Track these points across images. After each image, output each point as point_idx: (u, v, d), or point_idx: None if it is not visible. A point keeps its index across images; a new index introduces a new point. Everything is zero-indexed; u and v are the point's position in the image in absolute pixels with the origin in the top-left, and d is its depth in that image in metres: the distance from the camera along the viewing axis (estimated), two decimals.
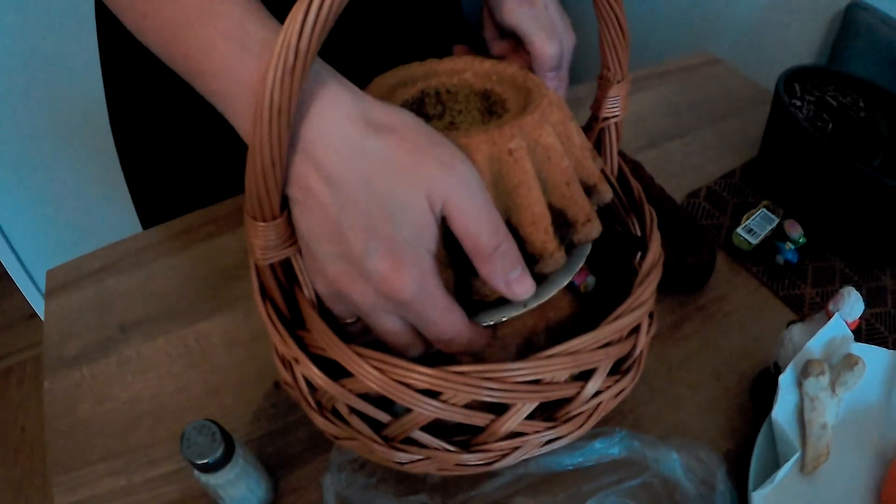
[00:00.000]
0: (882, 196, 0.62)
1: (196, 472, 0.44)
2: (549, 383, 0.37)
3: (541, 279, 0.40)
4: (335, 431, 0.42)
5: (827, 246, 0.70)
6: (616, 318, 0.39)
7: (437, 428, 0.40)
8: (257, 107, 0.30)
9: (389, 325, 0.36)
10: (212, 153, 0.77)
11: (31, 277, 1.68)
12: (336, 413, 0.42)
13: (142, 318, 0.64)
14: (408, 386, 0.35)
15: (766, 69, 0.72)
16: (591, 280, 0.53)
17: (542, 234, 0.38)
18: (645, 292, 0.41)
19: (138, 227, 0.83)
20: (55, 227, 1.65)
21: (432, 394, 0.36)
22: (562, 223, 0.40)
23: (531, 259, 0.38)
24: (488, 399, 0.36)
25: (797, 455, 0.44)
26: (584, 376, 0.40)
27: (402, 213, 0.33)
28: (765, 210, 0.72)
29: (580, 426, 0.41)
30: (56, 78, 1.45)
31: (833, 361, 0.48)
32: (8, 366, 1.78)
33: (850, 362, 0.46)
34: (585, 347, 0.37)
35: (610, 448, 0.47)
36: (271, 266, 0.38)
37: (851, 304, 0.48)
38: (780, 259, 0.66)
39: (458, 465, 0.41)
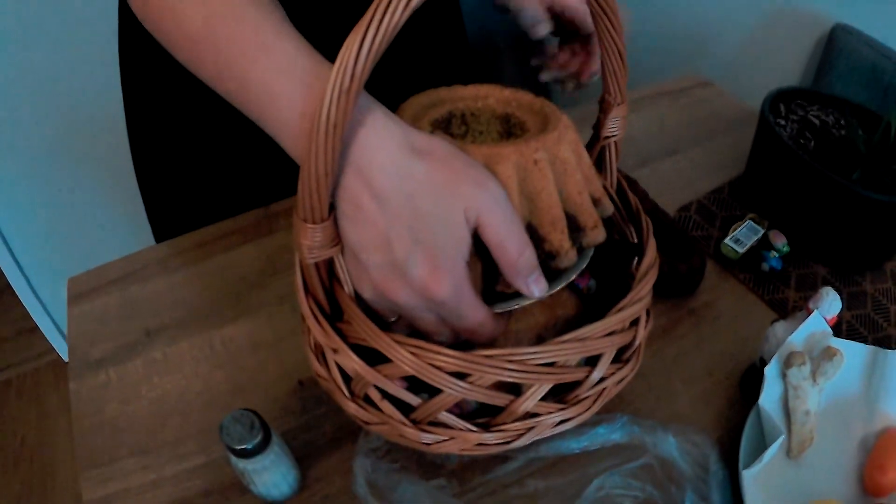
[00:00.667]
0: (860, 207, 0.67)
1: (233, 459, 0.47)
2: (562, 367, 0.42)
3: (552, 275, 0.45)
4: (367, 417, 0.46)
5: (809, 254, 0.75)
6: (619, 310, 0.44)
7: (460, 413, 0.45)
8: (314, 122, 0.35)
9: (427, 319, 0.41)
10: (226, 169, 0.81)
11: (33, 290, 1.70)
12: (368, 400, 0.46)
13: (166, 323, 0.67)
14: (439, 368, 0.40)
15: (755, 90, 0.78)
16: (592, 283, 0.58)
17: (559, 234, 0.43)
18: (643, 289, 0.46)
19: (146, 243, 0.84)
20: (59, 240, 1.67)
21: (461, 376, 0.40)
22: (574, 228, 0.45)
23: (549, 255, 0.43)
24: (510, 379, 0.40)
25: (782, 437, 0.48)
26: (591, 362, 0.45)
27: (442, 227, 0.38)
28: (751, 222, 0.77)
29: (587, 409, 0.46)
30: (74, 94, 1.49)
31: (814, 354, 0.53)
32: (7, 378, 1.79)
33: (829, 353, 0.51)
34: (593, 335, 0.42)
35: (612, 433, 0.51)
36: (315, 265, 0.42)
37: (830, 302, 0.53)
38: (765, 266, 0.71)
39: (478, 444, 0.45)
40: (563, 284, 0.45)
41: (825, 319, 0.54)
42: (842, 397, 0.54)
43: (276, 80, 0.39)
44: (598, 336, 0.43)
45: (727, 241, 0.74)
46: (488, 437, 0.44)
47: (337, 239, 0.40)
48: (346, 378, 0.46)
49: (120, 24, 0.76)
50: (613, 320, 0.43)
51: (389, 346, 0.40)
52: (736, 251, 0.73)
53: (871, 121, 0.76)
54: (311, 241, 0.39)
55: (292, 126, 0.39)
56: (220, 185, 0.82)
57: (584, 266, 0.47)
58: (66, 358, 1.79)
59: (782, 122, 0.78)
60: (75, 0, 1.37)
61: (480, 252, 0.41)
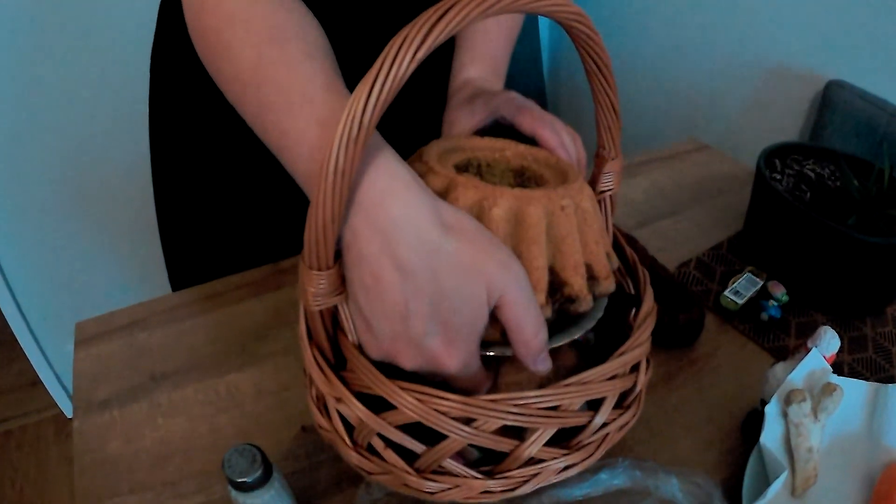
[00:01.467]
0: (857, 251, 0.69)
1: (233, 493, 0.47)
2: (565, 411, 0.43)
3: (568, 321, 0.47)
4: (370, 467, 0.47)
5: (809, 302, 0.76)
6: (620, 355, 0.45)
7: (464, 463, 0.45)
8: (322, 168, 0.36)
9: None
10: (244, 225, 0.83)
11: (38, 345, 1.71)
12: (371, 450, 0.47)
13: (172, 369, 0.68)
14: (444, 414, 0.40)
15: (754, 151, 0.81)
16: (591, 335, 0.59)
17: (580, 279, 0.45)
18: (643, 335, 0.47)
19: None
20: (65, 295, 1.69)
21: (465, 421, 0.41)
22: (589, 276, 0.47)
23: (568, 299, 0.44)
24: (515, 423, 0.41)
25: (785, 472, 0.49)
26: (594, 407, 0.45)
27: (464, 304, 0.38)
28: (749, 274, 0.78)
29: (590, 455, 0.46)
30: (97, 152, 1.52)
31: (814, 392, 0.54)
32: (8, 429, 1.78)
33: (829, 389, 0.52)
34: (595, 379, 0.43)
35: (614, 478, 0.51)
36: (319, 313, 0.43)
37: (828, 341, 0.54)
38: (764, 315, 0.72)
39: (483, 492, 0.45)
40: (581, 332, 0.46)
41: (824, 357, 0.55)
42: (844, 434, 0.55)
43: (315, 131, 0.40)
44: (601, 380, 0.44)
45: (726, 293, 0.75)
46: (493, 485, 0.44)
47: (342, 287, 0.41)
48: (349, 428, 0.47)
49: (152, 79, 0.79)
50: (615, 364, 0.44)
51: (394, 392, 0.41)
52: (735, 302, 0.74)
53: (866, 170, 0.78)
54: (315, 289, 0.40)
55: None
56: (237, 240, 0.85)
57: (600, 315, 0.49)
58: (68, 413, 1.79)
59: (778, 177, 0.80)
60: (109, 50, 1.41)
61: None
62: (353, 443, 0.47)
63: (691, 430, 0.62)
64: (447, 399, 0.40)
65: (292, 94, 0.41)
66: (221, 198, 0.82)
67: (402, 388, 0.41)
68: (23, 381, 1.87)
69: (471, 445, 0.48)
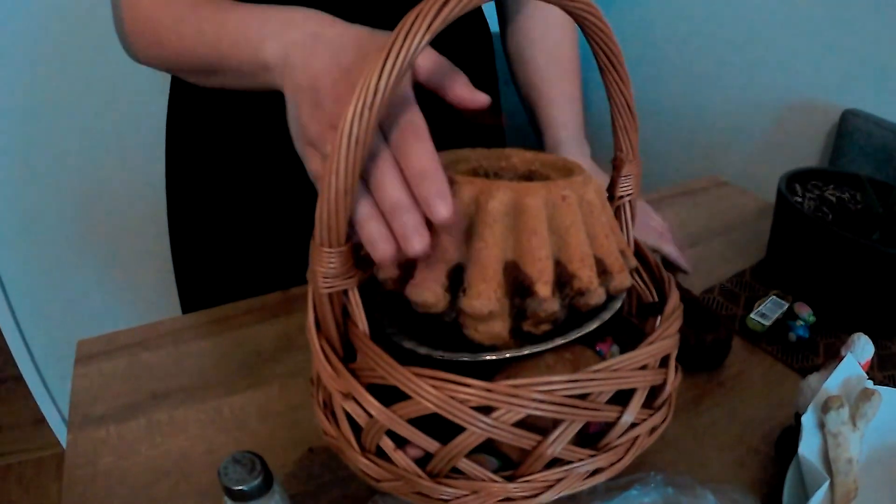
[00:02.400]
0: (883, 266, 0.67)
1: None
2: (593, 402, 0.39)
3: (582, 318, 0.44)
4: (378, 473, 0.43)
5: (836, 322, 0.73)
6: (649, 343, 0.42)
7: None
8: (336, 139, 0.35)
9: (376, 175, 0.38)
10: (258, 252, 0.82)
11: (44, 384, 1.69)
12: (380, 454, 0.43)
13: (175, 388, 0.65)
14: (463, 402, 0.37)
15: (774, 182, 0.80)
16: (615, 349, 0.56)
17: (588, 270, 0.42)
18: (671, 327, 0.44)
19: None
20: (72, 334, 1.67)
21: (486, 411, 0.38)
22: (601, 271, 0.44)
23: (578, 293, 0.42)
24: (538, 412, 0.38)
25: (826, 483, 0.45)
26: (622, 401, 0.42)
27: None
28: (775, 297, 0.76)
29: (619, 459, 0.43)
30: (114, 194, 1.53)
31: (850, 400, 0.50)
32: (8, 463, 1.75)
33: (866, 395, 0.48)
34: (625, 367, 0.40)
35: (646, 496, 0.47)
36: (329, 302, 0.41)
37: (862, 346, 0.51)
38: (792, 336, 0.69)
39: (503, 500, 0.41)
40: (598, 324, 0.43)
41: (859, 364, 0.51)
42: (884, 446, 0.51)
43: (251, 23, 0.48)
44: (631, 368, 0.40)
45: (752, 315, 0.73)
46: (514, 489, 0.41)
47: (353, 271, 0.39)
48: (357, 431, 0.43)
49: (170, 101, 0.80)
50: (644, 353, 0.41)
51: (408, 379, 0.38)
52: (762, 324, 0.71)
53: (886, 192, 0.77)
54: (326, 268, 0.38)
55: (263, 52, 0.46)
56: (249, 267, 0.84)
57: (616, 309, 0.46)
58: None
59: (799, 200, 0.78)
60: (127, 76, 1.42)
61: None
62: (362, 448, 0.43)
63: (723, 450, 0.58)
64: (466, 385, 0.37)
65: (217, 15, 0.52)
66: (234, 224, 0.82)
67: (418, 375, 0.38)
68: (28, 418, 1.84)
69: (489, 454, 0.45)
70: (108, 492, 0.54)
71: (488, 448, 0.45)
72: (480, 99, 0.43)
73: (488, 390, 0.37)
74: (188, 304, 0.87)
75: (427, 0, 0.34)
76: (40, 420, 1.75)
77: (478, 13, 0.84)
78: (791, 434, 0.54)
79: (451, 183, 0.43)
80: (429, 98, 0.78)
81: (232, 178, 0.79)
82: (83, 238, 1.59)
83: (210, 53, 0.53)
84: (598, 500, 0.48)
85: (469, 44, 0.83)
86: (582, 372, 0.39)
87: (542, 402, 0.38)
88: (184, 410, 0.62)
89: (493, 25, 0.89)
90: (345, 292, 0.41)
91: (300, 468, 0.57)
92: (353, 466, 0.44)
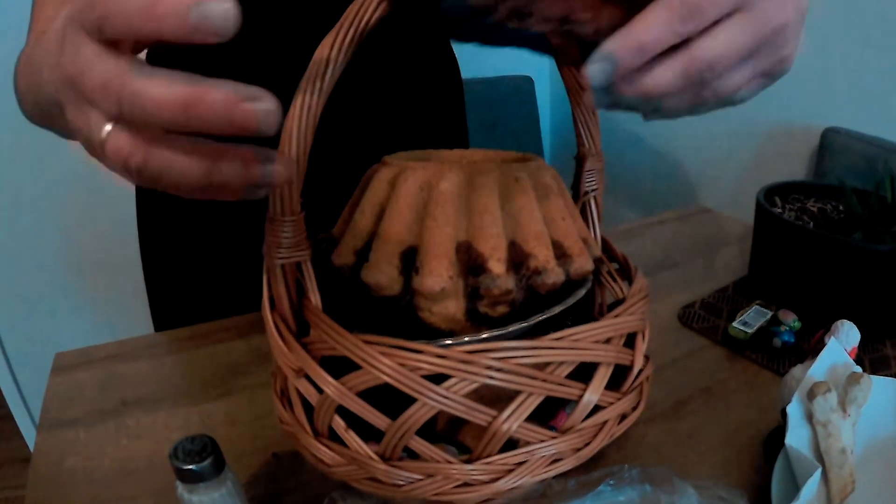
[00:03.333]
0: (865, 263, 0.65)
1: (180, 489, 0.42)
2: (552, 375, 0.38)
3: (542, 302, 0.43)
4: (330, 458, 0.42)
5: (823, 328, 0.71)
6: (614, 316, 0.40)
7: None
8: (290, 114, 0.35)
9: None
10: (228, 277, 0.82)
11: (34, 423, 1.67)
12: (332, 436, 0.42)
13: (145, 397, 0.64)
14: (414, 370, 0.36)
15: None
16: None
17: (545, 249, 0.41)
18: (636, 305, 0.43)
19: None
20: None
21: (438, 380, 0.37)
22: (560, 254, 0.43)
23: (535, 273, 0.41)
24: (493, 382, 0.36)
25: (818, 471, 0.42)
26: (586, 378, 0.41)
27: None
28: (758, 306, 0.74)
29: (585, 444, 0.41)
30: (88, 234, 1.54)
31: (839, 386, 0.48)
32: (3, 497, 1.71)
33: (855, 378, 0.46)
34: (587, 338, 0.39)
35: (620, 493, 0.45)
36: (283, 276, 0.40)
37: (846, 332, 0.49)
38: (777, 342, 0.67)
39: (461, 486, 0.40)
40: (561, 308, 0.42)
41: (845, 351, 0.49)
42: (879, 437, 0.48)
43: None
44: (592, 340, 0.39)
45: (734, 324, 0.71)
46: (472, 472, 0.39)
47: (306, 243, 0.39)
48: (311, 414, 0.42)
49: None
50: (606, 324, 0.40)
51: (358, 347, 0.37)
52: (745, 332, 0.69)
53: (868, 197, 0.76)
54: (280, 238, 0.38)
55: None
56: (223, 292, 0.83)
57: (580, 296, 0.45)
58: None
59: (779, 211, 0.77)
60: None
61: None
62: (315, 431, 0.42)
63: (707, 454, 0.55)
64: (418, 352, 0.36)
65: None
66: (205, 246, 0.81)
67: (368, 343, 0.37)
68: (14, 457, 1.81)
69: (449, 444, 0.43)
70: (74, 490, 0.52)
71: (449, 438, 0.43)
72: None
73: (441, 357, 0.36)
74: (161, 327, 0.87)
75: None
76: (27, 459, 1.72)
77: (447, 49, 0.86)
78: (779, 434, 0.52)
79: (404, 170, 0.43)
80: (394, 98, 0.78)
81: (201, 201, 0.79)
82: (57, 267, 1.60)
83: (43, 113, 0.46)
84: (564, 500, 0.45)
85: (437, 78, 0.84)
86: (540, 339, 0.37)
87: (497, 370, 0.36)
88: (153, 417, 0.61)
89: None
90: (298, 267, 0.40)
91: (263, 472, 0.55)
92: (307, 455, 0.43)
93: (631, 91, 0.31)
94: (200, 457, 0.40)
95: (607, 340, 0.40)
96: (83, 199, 1.58)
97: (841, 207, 0.78)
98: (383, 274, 0.41)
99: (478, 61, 1.00)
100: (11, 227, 1.54)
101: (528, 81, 1.92)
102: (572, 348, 0.38)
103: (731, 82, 0.33)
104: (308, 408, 0.42)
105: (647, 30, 0.30)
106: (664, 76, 0.31)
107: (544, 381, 0.37)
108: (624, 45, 0.30)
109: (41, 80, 0.37)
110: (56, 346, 1.63)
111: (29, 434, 1.70)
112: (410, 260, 0.41)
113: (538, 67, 1.91)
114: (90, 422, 0.60)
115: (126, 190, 0.86)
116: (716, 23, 0.31)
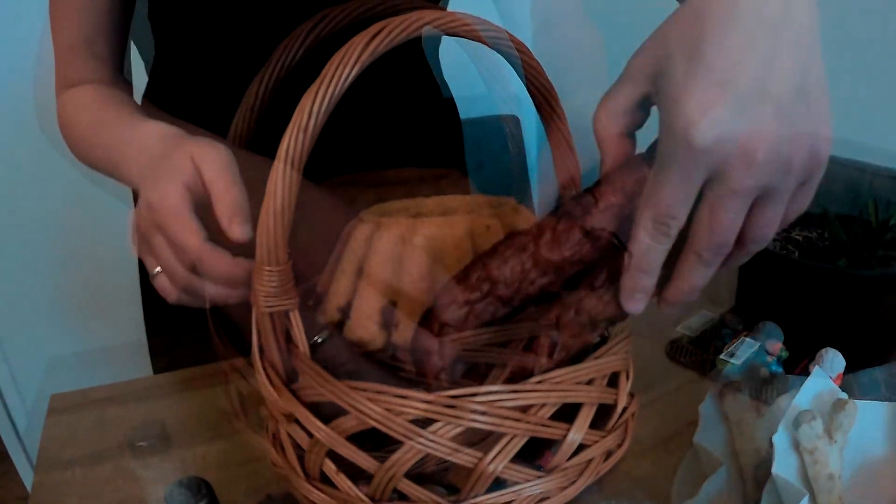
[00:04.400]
0: (852, 290, 0.67)
1: None
2: (536, 416, 0.39)
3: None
4: (322, 500, 0.42)
5: (810, 357, 0.72)
6: (595, 358, 0.41)
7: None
8: (275, 164, 0.36)
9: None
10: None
11: (31, 463, 1.66)
12: (324, 479, 0.43)
13: (141, 438, 0.65)
14: (400, 415, 0.37)
15: None
16: None
17: None
18: (618, 345, 0.44)
19: None
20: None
21: (424, 424, 0.38)
22: None
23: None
24: (478, 425, 0.37)
25: (806, 497, 0.43)
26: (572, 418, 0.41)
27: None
28: (745, 338, 0.75)
29: (571, 483, 0.42)
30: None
31: (824, 415, 0.48)
32: None
33: (840, 405, 0.47)
34: (568, 379, 0.40)
35: None
36: (272, 325, 0.41)
37: (830, 360, 0.50)
38: (765, 372, 0.68)
39: None
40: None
41: (830, 379, 0.50)
42: (867, 462, 0.49)
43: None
44: (574, 381, 0.40)
45: (722, 356, 0.72)
46: None
47: (293, 292, 0.40)
48: (302, 457, 0.43)
49: None
50: (588, 366, 0.41)
51: (345, 393, 0.38)
52: (733, 364, 0.70)
53: (853, 223, 0.77)
54: (267, 287, 0.39)
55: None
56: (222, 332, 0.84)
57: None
58: None
59: None
60: None
61: None
62: (306, 474, 0.43)
63: (699, 488, 0.56)
64: (404, 397, 0.37)
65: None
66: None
67: (354, 389, 0.38)
68: (10, 496, 1.80)
69: (437, 484, 0.44)
70: None
71: (436, 479, 0.44)
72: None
73: (427, 402, 0.37)
74: (159, 369, 0.87)
75: (350, 45, 0.37)
76: (24, 498, 1.71)
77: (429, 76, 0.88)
78: (768, 464, 0.52)
79: (379, 226, 0.45)
80: (385, 107, 0.80)
81: None
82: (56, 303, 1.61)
83: (104, 170, 0.63)
84: None
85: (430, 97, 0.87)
86: (523, 383, 0.39)
87: (482, 413, 0.37)
88: (148, 459, 0.63)
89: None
90: (286, 315, 0.41)
91: None
92: (299, 497, 0.43)
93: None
94: (195, 499, 0.41)
95: (589, 381, 0.41)
96: (79, 216, 1.59)
97: (826, 235, 0.79)
98: (366, 330, 0.43)
99: (464, 102, 1.02)
100: (9, 266, 1.55)
101: (516, 121, 1.93)
102: (554, 390, 0.39)
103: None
104: (300, 451, 0.43)
105: (691, 288, 0.42)
106: (698, 282, 0.42)
107: (528, 422, 0.38)
108: (672, 300, 0.43)
109: (119, 157, 0.57)
110: (53, 387, 1.64)
111: (26, 474, 1.69)
112: (391, 315, 0.43)
113: (526, 107, 1.93)
114: (87, 463, 0.62)
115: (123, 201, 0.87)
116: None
